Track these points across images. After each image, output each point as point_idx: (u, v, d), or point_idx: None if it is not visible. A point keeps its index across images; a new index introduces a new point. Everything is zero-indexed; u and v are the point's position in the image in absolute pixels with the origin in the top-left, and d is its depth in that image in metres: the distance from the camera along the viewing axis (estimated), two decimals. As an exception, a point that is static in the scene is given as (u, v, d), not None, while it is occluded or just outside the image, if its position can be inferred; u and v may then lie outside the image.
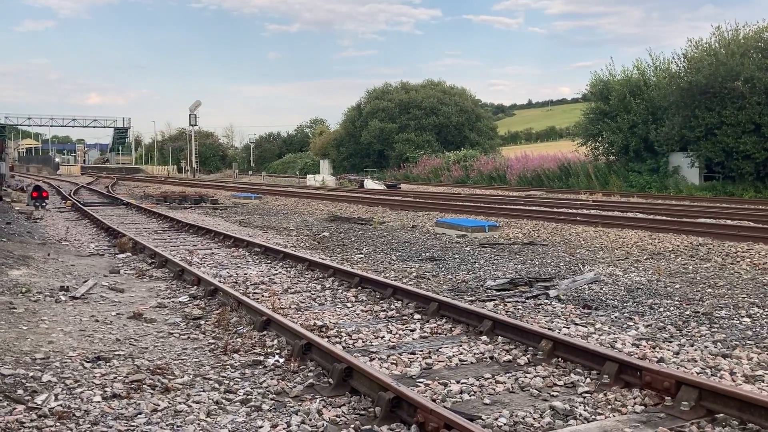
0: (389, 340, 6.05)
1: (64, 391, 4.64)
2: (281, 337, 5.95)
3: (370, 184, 39.75)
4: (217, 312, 7.05)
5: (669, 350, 5.59)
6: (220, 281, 8.61)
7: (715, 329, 6.28)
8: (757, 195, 25.82)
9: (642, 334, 6.17)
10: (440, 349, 5.72)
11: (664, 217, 16.08)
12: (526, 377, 4.97)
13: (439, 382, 4.85)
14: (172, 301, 7.88)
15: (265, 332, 6.20)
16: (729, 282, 8.55)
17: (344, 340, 6.04)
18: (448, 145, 52.70)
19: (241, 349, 5.75)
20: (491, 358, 5.50)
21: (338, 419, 4.22)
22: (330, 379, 4.86)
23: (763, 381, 4.85)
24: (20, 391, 4.58)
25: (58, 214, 20.50)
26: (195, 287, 8.50)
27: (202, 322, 6.80)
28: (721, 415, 4.11)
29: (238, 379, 5.00)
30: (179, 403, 4.47)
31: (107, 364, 5.30)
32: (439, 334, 6.30)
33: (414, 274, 9.49)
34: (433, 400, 4.36)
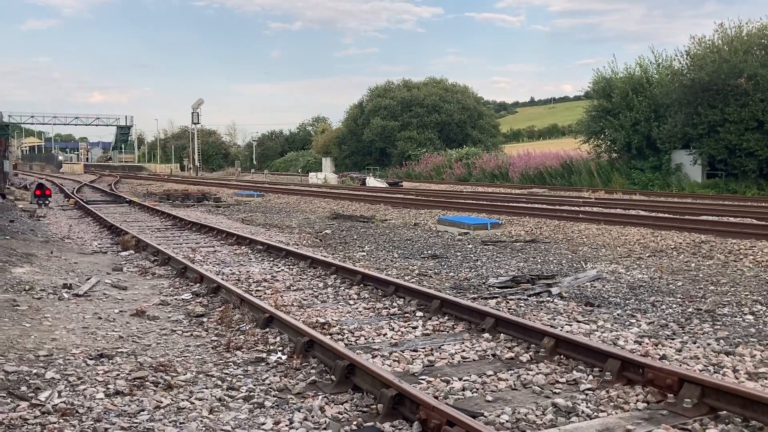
0: (391, 338, 6.05)
1: (67, 388, 4.65)
2: (284, 335, 5.96)
3: (372, 182, 39.74)
4: (220, 309, 7.06)
5: (671, 347, 5.58)
6: (222, 279, 8.62)
7: (718, 326, 6.27)
8: (760, 192, 25.73)
9: (644, 331, 6.16)
10: (442, 347, 5.72)
11: (666, 215, 16.03)
12: (528, 374, 4.97)
13: (441, 380, 4.86)
14: (175, 299, 7.90)
15: (267, 329, 6.20)
16: (732, 279, 8.53)
17: (346, 338, 6.05)
18: (451, 142, 52.66)
19: (243, 346, 5.76)
20: (493, 355, 5.50)
21: (341, 416, 4.23)
22: (332, 376, 4.86)
23: (766, 378, 4.84)
24: (24, 388, 4.59)
25: (61, 211, 20.54)
26: (198, 285, 8.51)
27: (205, 319, 6.82)
28: (724, 412, 4.11)
29: (241, 376, 5.01)
30: (182, 400, 4.48)
31: (110, 361, 5.31)
32: (442, 331, 6.29)
33: (416, 271, 9.49)
34: (436, 397, 4.36)
